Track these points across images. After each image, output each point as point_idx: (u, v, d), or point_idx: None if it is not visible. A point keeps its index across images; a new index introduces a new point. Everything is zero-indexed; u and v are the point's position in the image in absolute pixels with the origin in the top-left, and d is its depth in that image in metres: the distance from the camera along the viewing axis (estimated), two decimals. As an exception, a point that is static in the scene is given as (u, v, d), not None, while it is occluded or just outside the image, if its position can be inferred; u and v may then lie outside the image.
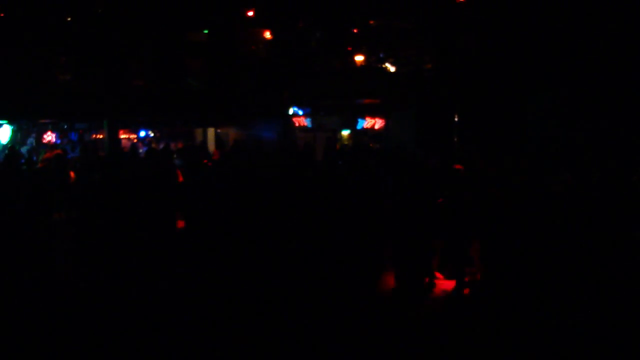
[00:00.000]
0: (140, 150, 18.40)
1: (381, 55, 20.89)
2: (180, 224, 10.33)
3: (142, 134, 21.96)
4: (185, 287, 8.65)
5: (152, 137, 22.19)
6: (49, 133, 19.53)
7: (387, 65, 20.71)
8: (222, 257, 9.25)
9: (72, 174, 12.58)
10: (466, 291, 8.44)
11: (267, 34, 21.51)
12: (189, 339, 6.97)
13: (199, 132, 22.69)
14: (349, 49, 20.76)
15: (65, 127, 20.02)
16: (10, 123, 18.32)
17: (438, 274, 8.93)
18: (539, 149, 14.84)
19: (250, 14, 20.28)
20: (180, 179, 11.15)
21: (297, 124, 22.04)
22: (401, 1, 19.15)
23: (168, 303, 8.06)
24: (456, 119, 18.63)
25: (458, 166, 9.23)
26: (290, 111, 21.78)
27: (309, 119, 21.85)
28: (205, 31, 20.83)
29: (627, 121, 14.60)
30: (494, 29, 17.39)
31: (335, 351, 6.50)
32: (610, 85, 15.15)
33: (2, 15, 17.33)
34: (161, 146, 19.46)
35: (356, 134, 21.99)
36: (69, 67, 18.66)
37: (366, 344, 6.68)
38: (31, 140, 19.27)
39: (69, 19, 18.29)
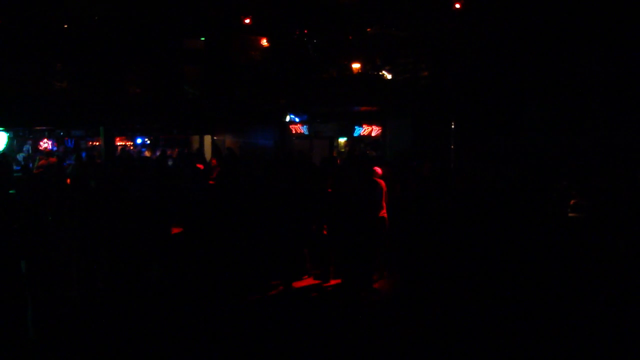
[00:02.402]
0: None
1: (378, 63, 20.92)
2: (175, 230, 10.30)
3: (139, 141, 21.94)
4: (181, 291, 8.67)
5: (149, 144, 22.16)
6: (45, 140, 19.50)
7: (384, 72, 20.74)
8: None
9: (68, 180, 12.57)
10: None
11: (264, 42, 21.54)
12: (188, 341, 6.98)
13: (195, 139, 22.69)
14: (346, 56, 20.78)
15: (62, 134, 20.00)
16: (6, 130, 18.28)
17: None
18: (535, 156, 14.91)
19: (247, 21, 20.30)
20: None
21: (293, 131, 22.04)
22: (398, 9, 19.19)
23: (166, 306, 8.07)
24: (453, 127, 18.66)
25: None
26: (287, 118, 21.78)
27: (305, 126, 21.85)
28: (202, 39, 20.86)
29: (622, 129, 14.66)
30: (491, 37, 17.45)
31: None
32: (605, 94, 15.23)
33: (-1, 22, 17.34)
34: (157, 153, 19.46)
35: (353, 141, 21.99)
36: (65, 74, 18.63)
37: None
38: (27, 147, 19.24)
39: (65, 25, 18.28)
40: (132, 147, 21.57)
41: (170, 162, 17.60)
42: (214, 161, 13.32)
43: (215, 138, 22.58)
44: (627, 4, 14.80)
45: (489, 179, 11.64)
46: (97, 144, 20.26)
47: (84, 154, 17.89)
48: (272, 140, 21.03)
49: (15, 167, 15.26)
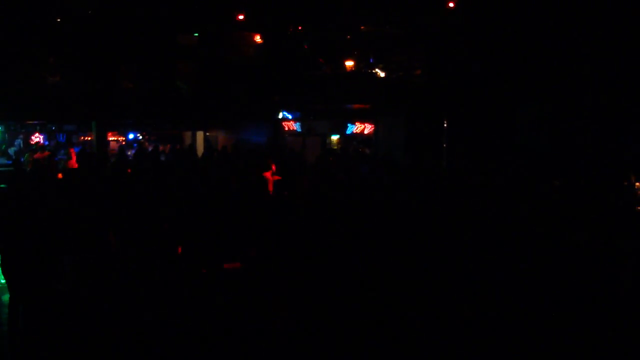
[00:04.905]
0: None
1: (371, 60, 20.94)
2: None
3: (131, 136, 21.89)
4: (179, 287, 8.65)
5: (141, 139, 22.12)
6: (36, 134, 19.43)
7: (377, 70, 20.76)
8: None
9: (59, 175, 12.56)
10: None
11: (258, 39, 21.51)
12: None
13: (188, 135, 22.64)
14: (340, 54, 20.79)
15: (53, 128, 19.93)
16: (-2, 123, 18.24)
17: None
18: (526, 155, 15.00)
19: (241, 18, 20.26)
20: None
21: (286, 128, 22.04)
22: (392, 7, 19.22)
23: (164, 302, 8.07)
24: (445, 125, 18.73)
25: None
26: (280, 115, 21.79)
27: (298, 124, 21.86)
28: (196, 35, 20.81)
29: (613, 130, 14.78)
30: (485, 36, 17.52)
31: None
32: (597, 97, 15.34)
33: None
34: (150, 149, 19.45)
35: (345, 138, 22.03)
36: (58, 69, 18.54)
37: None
38: (19, 142, 19.16)
39: (58, 20, 18.19)
40: (123, 142, 21.51)
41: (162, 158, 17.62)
42: None
43: (207, 134, 22.57)
44: (619, 5, 14.93)
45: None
46: (89, 138, 20.18)
47: (76, 149, 17.87)
48: (264, 137, 21.03)
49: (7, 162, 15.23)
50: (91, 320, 7.57)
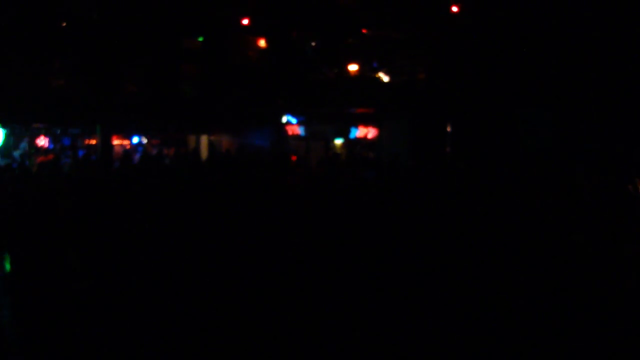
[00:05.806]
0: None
1: (375, 64, 20.98)
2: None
3: (135, 139, 21.92)
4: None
5: (145, 143, 22.16)
6: (41, 137, 19.49)
7: (381, 74, 20.81)
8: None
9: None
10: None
11: (262, 42, 21.58)
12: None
13: (192, 138, 22.68)
14: (343, 58, 20.84)
15: (58, 132, 19.98)
16: (3, 127, 18.28)
17: None
18: (529, 158, 15.03)
19: (245, 22, 20.34)
20: None
21: (290, 133, 22.08)
22: (395, 11, 19.27)
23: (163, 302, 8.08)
24: (449, 129, 18.76)
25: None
26: (284, 119, 21.82)
27: (302, 127, 21.90)
28: (200, 38, 20.89)
29: (616, 133, 14.79)
30: (487, 40, 17.55)
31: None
32: (599, 99, 15.36)
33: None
34: (154, 152, 19.51)
35: (349, 142, 22.05)
36: (62, 72, 18.63)
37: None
38: (24, 145, 19.21)
39: (63, 24, 18.29)
40: (128, 147, 21.54)
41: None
42: None
43: (211, 138, 22.61)
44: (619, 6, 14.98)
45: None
46: (94, 142, 20.24)
47: (80, 152, 17.94)
48: (268, 141, 21.07)
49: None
50: (101, 318, 7.57)
